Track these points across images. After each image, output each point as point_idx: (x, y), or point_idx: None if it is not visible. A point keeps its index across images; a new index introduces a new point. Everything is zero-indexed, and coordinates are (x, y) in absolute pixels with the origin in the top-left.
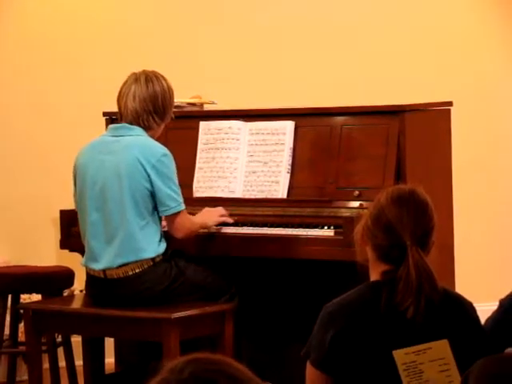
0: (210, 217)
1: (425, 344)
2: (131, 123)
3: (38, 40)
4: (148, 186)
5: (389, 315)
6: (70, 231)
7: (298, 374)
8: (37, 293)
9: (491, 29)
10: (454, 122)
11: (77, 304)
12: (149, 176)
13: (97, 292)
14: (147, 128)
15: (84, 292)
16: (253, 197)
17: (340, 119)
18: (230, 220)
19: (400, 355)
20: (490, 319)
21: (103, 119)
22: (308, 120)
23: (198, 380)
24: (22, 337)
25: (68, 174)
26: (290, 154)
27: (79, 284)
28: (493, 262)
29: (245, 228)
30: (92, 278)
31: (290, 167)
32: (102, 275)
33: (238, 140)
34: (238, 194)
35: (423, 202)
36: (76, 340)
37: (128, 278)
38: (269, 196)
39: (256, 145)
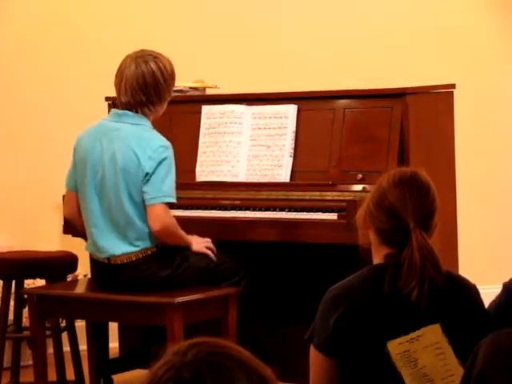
0: (195, 242)
1: (416, 331)
2: (130, 110)
3: (42, 23)
4: (143, 178)
5: (392, 298)
6: None
7: (302, 357)
8: (40, 278)
9: (493, 13)
10: (456, 104)
11: (80, 289)
12: (143, 169)
13: (101, 277)
14: (145, 115)
15: (88, 277)
16: (256, 181)
17: (343, 102)
18: (211, 254)
19: (394, 346)
20: (494, 303)
21: (105, 104)
22: (311, 103)
23: (201, 363)
24: (26, 322)
25: (69, 160)
26: (293, 137)
27: (83, 269)
28: (496, 244)
29: (248, 212)
30: (96, 264)
31: (292, 151)
32: (106, 261)
33: (240, 124)
34: (241, 178)
35: (425, 184)
36: (80, 325)
37: (132, 264)
38: (272, 180)
39: (259, 129)
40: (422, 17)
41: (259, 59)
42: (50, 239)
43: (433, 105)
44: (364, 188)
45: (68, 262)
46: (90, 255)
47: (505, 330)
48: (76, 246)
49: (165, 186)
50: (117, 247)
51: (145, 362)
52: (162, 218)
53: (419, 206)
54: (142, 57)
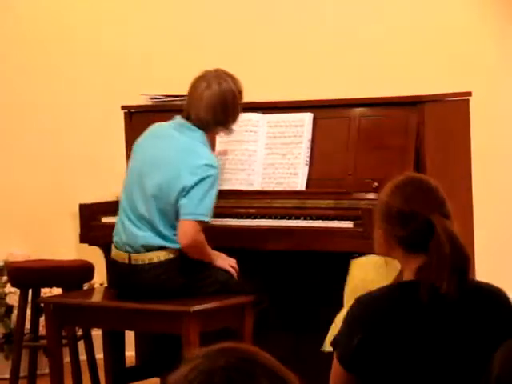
0: (221, 258)
1: None
2: (198, 126)
3: (58, 33)
4: (181, 191)
5: (420, 318)
6: (90, 225)
7: (317, 365)
8: (57, 287)
9: (507, 21)
10: (472, 112)
11: (97, 297)
12: (181, 182)
13: (119, 280)
14: (217, 132)
15: (104, 285)
16: (271, 189)
17: (358, 110)
18: (234, 273)
19: None
20: None
21: (122, 113)
22: (326, 112)
23: (233, 369)
24: (42, 330)
25: (86, 169)
26: (309, 146)
27: (99, 277)
28: None
29: (263, 220)
30: (115, 265)
31: (308, 159)
32: (126, 260)
33: (256, 133)
34: (256, 187)
35: (423, 179)
36: (96, 333)
37: (152, 265)
38: (287, 188)
39: (274, 137)
40: (437, 25)
41: (274, 68)
42: (67, 248)
43: (449, 112)
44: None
45: (84, 270)
46: (111, 256)
47: None
48: (92, 255)
49: (202, 205)
50: (141, 235)
51: (161, 371)
52: (192, 235)
53: (427, 198)
54: (220, 77)
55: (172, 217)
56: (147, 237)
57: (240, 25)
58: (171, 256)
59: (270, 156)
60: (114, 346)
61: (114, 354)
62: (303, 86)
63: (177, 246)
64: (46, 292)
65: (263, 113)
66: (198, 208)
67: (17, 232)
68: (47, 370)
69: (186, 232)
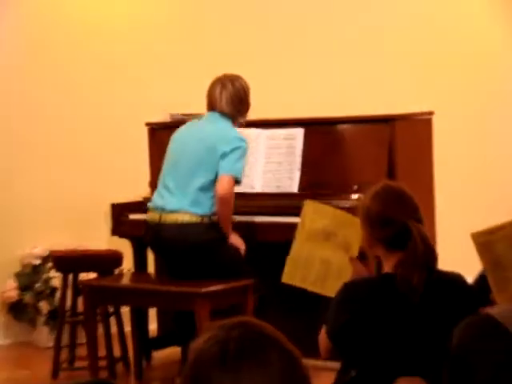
0: (235, 235)
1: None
2: (229, 118)
3: (83, 46)
4: (219, 158)
5: (398, 304)
6: (120, 220)
7: (311, 338)
8: (93, 272)
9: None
10: (438, 126)
11: (125, 281)
12: (220, 150)
13: (151, 236)
14: (238, 122)
15: (131, 271)
16: (270, 191)
17: (341, 126)
18: (242, 252)
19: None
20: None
21: (145, 129)
22: (315, 127)
23: (246, 340)
24: (80, 308)
25: (117, 175)
26: (300, 155)
27: (127, 264)
28: (471, 256)
29: (263, 217)
30: (148, 225)
31: (300, 166)
32: (156, 220)
33: (256, 145)
34: (257, 189)
35: (397, 187)
36: (125, 310)
37: (174, 226)
38: (283, 190)
39: (272, 148)
40: (407, 49)
41: (271, 90)
42: (101, 240)
43: (415, 128)
44: (359, 197)
45: (115, 258)
46: (146, 220)
47: (473, 319)
48: (122, 246)
49: (237, 165)
50: (174, 200)
51: (179, 341)
52: (228, 187)
53: (403, 204)
54: (234, 79)
55: (210, 181)
56: (178, 202)
57: (239, 48)
58: (193, 220)
59: (268, 164)
60: (140, 321)
61: (139, 327)
62: (295, 106)
63: (202, 212)
64: (83, 276)
65: (262, 128)
66: (235, 166)
67: (60, 227)
68: (84, 341)
69: (224, 183)
